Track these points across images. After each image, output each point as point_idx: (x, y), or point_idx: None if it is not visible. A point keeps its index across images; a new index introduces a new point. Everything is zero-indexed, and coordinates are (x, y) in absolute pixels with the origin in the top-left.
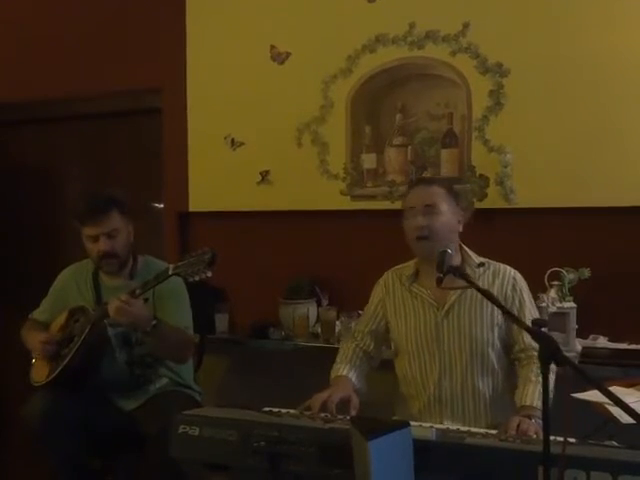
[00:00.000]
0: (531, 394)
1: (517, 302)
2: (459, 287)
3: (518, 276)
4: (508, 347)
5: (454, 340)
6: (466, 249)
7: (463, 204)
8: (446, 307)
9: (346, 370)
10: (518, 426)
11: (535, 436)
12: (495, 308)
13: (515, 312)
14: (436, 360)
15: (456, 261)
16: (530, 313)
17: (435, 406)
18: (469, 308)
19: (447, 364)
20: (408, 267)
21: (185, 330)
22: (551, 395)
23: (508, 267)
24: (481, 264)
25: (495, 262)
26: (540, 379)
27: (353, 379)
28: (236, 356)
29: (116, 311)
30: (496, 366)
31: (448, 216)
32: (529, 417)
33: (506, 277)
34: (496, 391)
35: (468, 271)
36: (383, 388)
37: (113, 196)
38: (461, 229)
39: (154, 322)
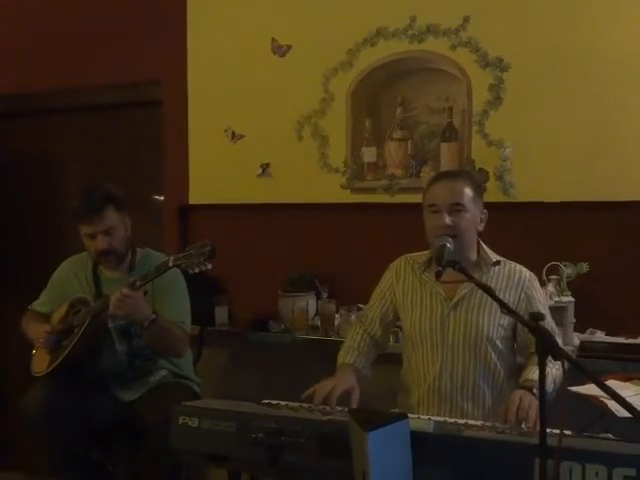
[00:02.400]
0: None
1: (534, 304)
2: (459, 281)
3: (534, 277)
4: (520, 348)
5: (459, 334)
6: (483, 246)
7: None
8: (455, 300)
9: (353, 357)
10: (520, 403)
11: (532, 424)
12: None
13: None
14: (438, 352)
15: (471, 258)
16: (549, 316)
17: (434, 398)
18: (478, 305)
19: (449, 357)
20: (422, 255)
21: (181, 325)
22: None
23: (524, 268)
24: (496, 262)
25: (510, 261)
26: (551, 368)
27: (359, 366)
28: (235, 348)
29: (116, 304)
30: (498, 366)
31: (473, 214)
32: (530, 389)
33: (522, 278)
34: (497, 393)
35: (483, 268)
36: (385, 380)
37: (108, 192)
38: (482, 228)
39: (153, 317)
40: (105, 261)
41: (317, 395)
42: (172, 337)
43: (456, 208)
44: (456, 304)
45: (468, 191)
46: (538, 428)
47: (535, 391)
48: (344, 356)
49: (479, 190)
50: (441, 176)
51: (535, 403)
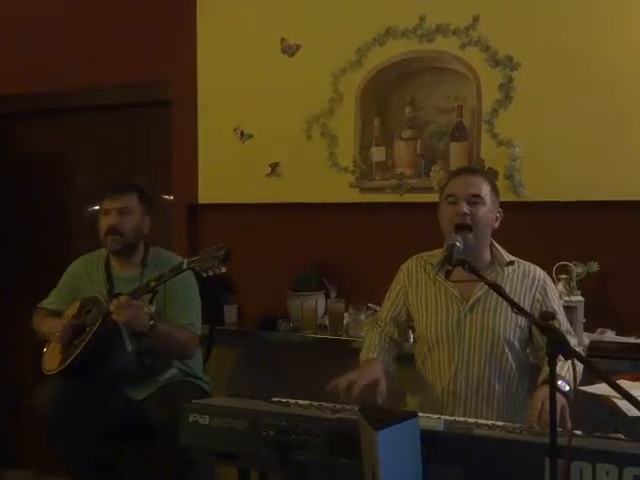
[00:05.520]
0: (559, 368)
1: (549, 305)
2: (471, 280)
3: (548, 278)
4: (535, 350)
5: (475, 337)
6: (497, 246)
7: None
8: (471, 302)
9: (375, 353)
10: (542, 406)
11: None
12: None
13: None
14: (454, 354)
15: (486, 258)
16: (563, 316)
17: (448, 399)
18: (495, 306)
19: (465, 359)
20: (435, 255)
21: (189, 327)
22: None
23: (538, 268)
24: (510, 262)
25: (525, 261)
26: (567, 364)
27: (384, 361)
28: (244, 347)
29: (117, 311)
30: (514, 367)
31: (490, 209)
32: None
33: (537, 278)
34: (511, 394)
35: (497, 268)
36: (396, 380)
37: (138, 184)
38: (497, 226)
39: (151, 323)
40: (110, 241)
41: (340, 383)
42: (174, 341)
43: (475, 200)
44: (472, 306)
45: (486, 186)
46: (569, 426)
47: (560, 383)
48: (366, 354)
49: (496, 189)
50: (460, 171)
51: (561, 402)
